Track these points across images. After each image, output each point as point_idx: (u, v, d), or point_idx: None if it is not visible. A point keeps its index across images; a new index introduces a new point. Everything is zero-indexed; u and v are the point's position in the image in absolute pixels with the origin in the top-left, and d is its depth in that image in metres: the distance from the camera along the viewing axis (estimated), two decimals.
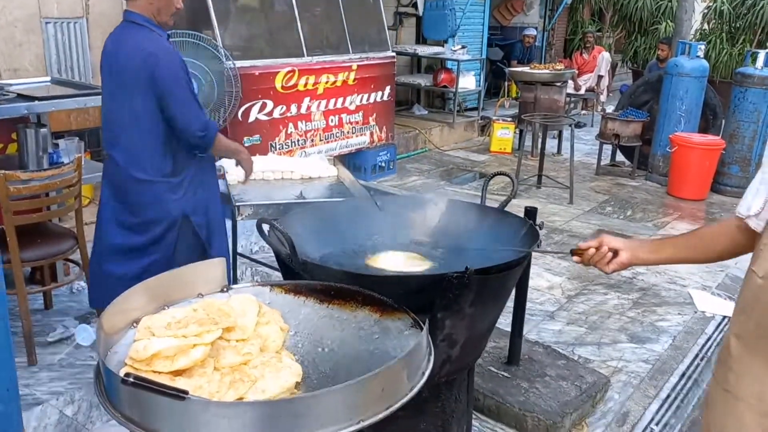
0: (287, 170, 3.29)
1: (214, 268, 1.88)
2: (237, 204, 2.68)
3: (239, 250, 3.32)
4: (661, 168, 6.64)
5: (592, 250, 1.84)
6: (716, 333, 3.72)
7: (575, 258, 1.91)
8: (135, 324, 1.66)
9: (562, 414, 2.70)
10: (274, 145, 5.26)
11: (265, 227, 1.96)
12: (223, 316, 1.68)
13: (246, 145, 4.96)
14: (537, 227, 2.20)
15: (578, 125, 7.60)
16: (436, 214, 2.52)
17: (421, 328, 1.66)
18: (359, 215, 2.52)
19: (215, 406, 1.26)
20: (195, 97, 2.69)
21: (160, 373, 1.47)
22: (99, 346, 1.49)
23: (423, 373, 1.50)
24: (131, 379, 1.15)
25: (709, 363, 3.42)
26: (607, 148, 7.20)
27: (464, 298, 1.88)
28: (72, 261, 3.44)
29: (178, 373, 1.49)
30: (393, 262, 2.17)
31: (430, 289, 1.85)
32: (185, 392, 1.22)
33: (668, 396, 3.09)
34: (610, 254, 1.81)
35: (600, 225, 5.43)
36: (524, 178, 6.27)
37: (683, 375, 3.28)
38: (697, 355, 3.47)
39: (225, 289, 1.88)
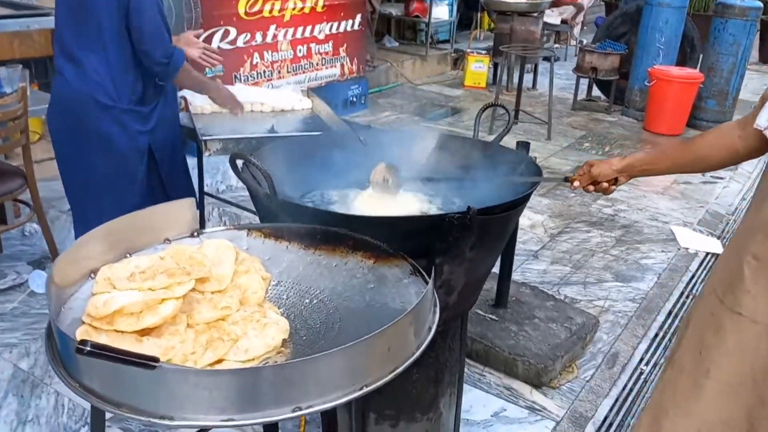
0: (257, 102, 3.02)
1: (182, 209, 1.65)
2: (203, 138, 2.42)
3: (205, 189, 3.07)
4: (638, 103, 6.49)
5: (591, 187, 1.82)
6: (700, 270, 3.65)
7: (571, 186, 1.88)
8: (93, 275, 1.44)
9: (553, 357, 2.59)
10: (238, 76, 4.92)
11: (239, 162, 1.73)
12: (195, 264, 1.47)
13: (209, 75, 4.62)
14: (536, 163, 2.01)
15: (547, 57, 7.37)
16: (426, 150, 2.31)
17: (421, 276, 1.48)
18: (341, 151, 2.29)
19: (194, 375, 1.06)
20: (164, 21, 2.41)
21: (123, 332, 1.27)
22: (50, 302, 1.27)
23: (430, 328, 1.33)
24: (87, 348, 0.94)
25: (695, 299, 3.34)
26: (583, 83, 7.02)
27: (465, 241, 1.70)
28: (22, 201, 3.16)
29: (145, 332, 1.28)
30: (381, 202, 1.97)
31: (427, 232, 1.66)
32: (155, 360, 1.02)
33: (656, 335, 3.02)
34: (605, 185, 1.81)
35: (578, 162, 5.28)
36: (501, 114, 6.05)
37: (670, 313, 3.21)
38: (682, 293, 3.40)
39: (196, 234, 1.65)
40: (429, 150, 2.31)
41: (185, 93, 2.97)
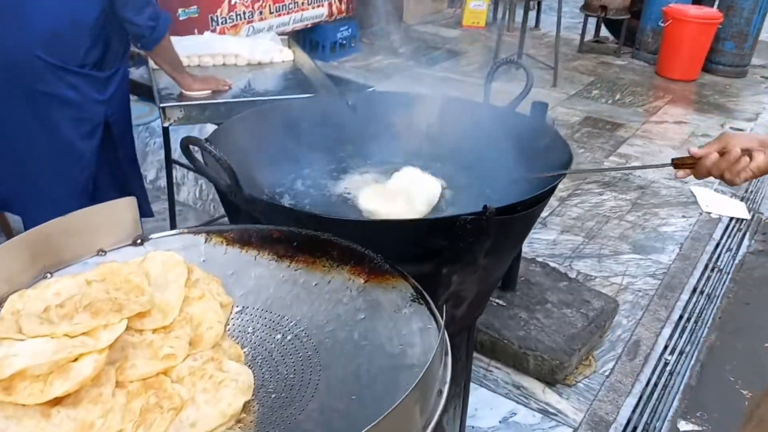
0: (230, 54, 2.61)
1: (120, 210, 1.29)
2: (163, 105, 2.02)
3: (175, 157, 2.65)
4: (651, 45, 6.04)
5: (714, 155, 1.31)
6: (725, 238, 3.33)
7: (681, 173, 1.38)
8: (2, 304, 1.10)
9: (569, 351, 2.29)
10: (215, 18, 4.45)
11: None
12: (132, 291, 1.12)
13: (181, 18, 4.16)
14: (565, 141, 1.64)
15: None
16: (426, 117, 1.94)
17: (427, 304, 1.14)
18: (325, 119, 1.92)
19: None
20: None
21: (25, 405, 0.93)
22: None
23: (440, 392, 1.00)
24: None
25: (721, 274, 3.04)
26: (590, 22, 6.52)
27: (480, 246, 1.35)
28: None
29: (56, 401, 0.95)
30: (373, 193, 1.61)
31: (434, 237, 1.31)
32: None
33: (681, 317, 2.72)
34: (745, 158, 1.30)
35: (587, 111, 4.90)
36: (502, 58, 5.59)
37: (694, 290, 2.90)
38: (707, 266, 3.09)
39: (139, 242, 1.30)
40: (431, 117, 1.94)
41: None
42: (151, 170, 3.58)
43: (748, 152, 1.29)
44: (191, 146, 1.32)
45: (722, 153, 1.31)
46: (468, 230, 1.27)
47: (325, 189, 1.70)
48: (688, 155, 1.36)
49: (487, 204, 1.26)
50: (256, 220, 1.40)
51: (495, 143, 1.72)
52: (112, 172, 2.24)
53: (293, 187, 1.70)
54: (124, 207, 1.28)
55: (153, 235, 1.32)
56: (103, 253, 1.26)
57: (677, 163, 1.37)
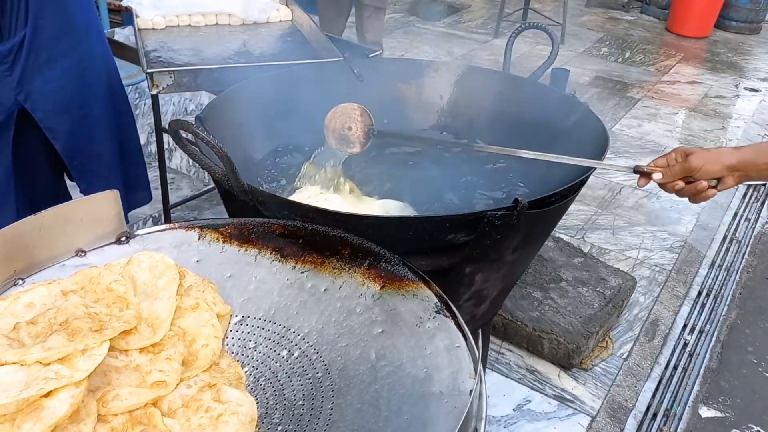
0: (223, 13, 2.40)
1: (102, 205, 1.13)
2: (150, 71, 1.84)
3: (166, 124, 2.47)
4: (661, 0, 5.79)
5: (679, 184, 1.24)
6: (743, 208, 3.19)
7: (642, 181, 1.30)
8: None
9: (586, 334, 2.16)
10: None
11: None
12: (115, 303, 0.99)
13: None
14: (599, 120, 1.48)
15: None
16: (441, 88, 1.77)
17: (455, 319, 1.00)
18: (328, 88, 1.75)
19: None
20: None
21: None
22: None
23: (476, 431, 0.86)
24: None
25: (740, 245, 2.92)
26: None
27: (508, 242, 1.21)
28: None
29: None
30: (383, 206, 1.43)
31: (457, 233, 1.17)
32: None
33: (699, 293, 2.60)
34: (712, 191, 1.24)
35: (597, 70, 4.69)
36: (508, 13, 5.35)
37: (713, 264, 2.78)
38: (725, 237, 2.96)
39: (124, 239, 1.15)
40: (446, 88, 1.77)
41: (131, 1, 2.34)
42: (142, 135, 3.39)
43: (716, 180, 1.22)
44: (182, 131, 1.16)
45: (688, 181, 1.22)
46: (497, 227, 1.13)
47: (322, 170, 1.54)
48: (651, 166, 1.26)
49: (519, 197, 1.11)
50: (257, 210, 1.25)
51: (517, 119, 1.57)
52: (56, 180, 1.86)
53: (288, 171, 1.55)
54: (107, 201, 1.13)
55: (140, 231, 1.17)
56: (82, 254, 1.11)
57: (640, 171, 1.27)
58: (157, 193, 2.71)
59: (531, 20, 5.33)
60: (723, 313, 2.52)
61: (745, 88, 4.53)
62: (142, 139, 3.39)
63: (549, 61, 1.67)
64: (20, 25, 1.57)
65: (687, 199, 1.27)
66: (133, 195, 2.06)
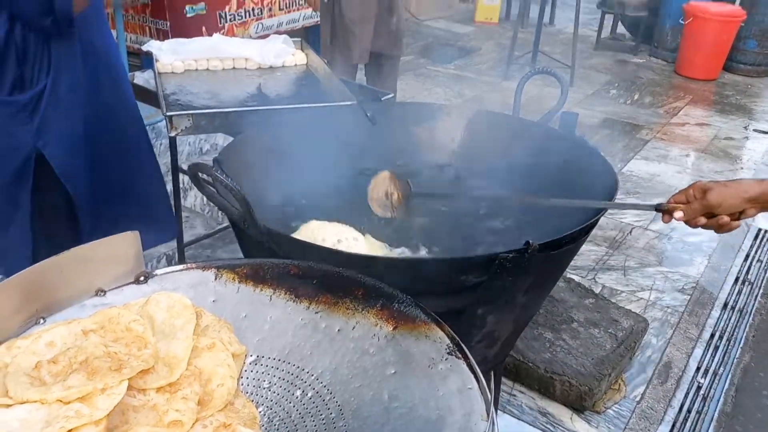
0: (240, 58, 2.47)
1: (122, 245, 1.16)
2: (170, 114, 1.89)
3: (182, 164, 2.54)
4: (669, 42, 5.87)
5: (701, 220, 1.27)
6: (755, 249, 3.19)
7: (666, 218, 1.33)
8: None
9: (599, 376, 2.15)
10: (223, 15, 4.31)
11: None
12: (133, 343, 1.00)
13: (189, 15, 4.03)
14: (608, 164, 1.51)
15: None
16: (452, 131, 1.81)
17: (466, 361, 1.01)
18: (342, 130, 1.79)
19: None
20: None
21: None
22: None
23: None
24: None
25: (752, 287, 2.90)
26: (606, 18, 6.36)
27: (519, 284, 1.22)
28: None
29: None
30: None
31: (469, 275, 1.18)
32: None
33: (712, 335, 2.58)
34: (735, 223, 1.27)
35: (607, 112, 4.74)
36: (517, 56, 5.44)
37: (725, 305, 2.76)
38: (737, 279, 2.95)
39: (142, 279, 1.17)
40: (457, 131, 1.81)
41: (151, 46, 2.42)
42: None
43: (738, 214, 1.25)
44: (200, 174, 1.19)
45: (709, 215, 1.25)
46: (508, 269, 1.14)
47: (345, 212, 1.56)
48: (672, 204, 1.29)
49: (530, 240, 1.13)
50: (272, 250, 1.28)
51: (528, 161, 1.59)
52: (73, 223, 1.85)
53: (307, 210, 1.58)
54: (126, 241, 1.15)
55: (158, 271, 1.20)
56: (102, 294, 1.14)
57: (662, 210, 1.30)
58: None
59: (540, 63, 5.42)
60: (737, 356, 2.50)
61: (755, 130, 4.55)
62: None
63: (558, 105, 1.71)
64: (42, 75, 1.61)
65: (712, 230, 1.29)
66: (158, 233, 2.09)
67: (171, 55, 2.38)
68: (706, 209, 1.23)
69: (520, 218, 1.53)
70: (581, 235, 1.25)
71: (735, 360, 2.48)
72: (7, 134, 1.62)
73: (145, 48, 2.43)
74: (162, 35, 3.94)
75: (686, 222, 1.27)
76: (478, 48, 6.07)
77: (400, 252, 1.41)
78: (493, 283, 1.17)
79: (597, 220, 1.31)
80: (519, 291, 1.23)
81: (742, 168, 4.00)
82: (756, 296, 2.88)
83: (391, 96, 2.31)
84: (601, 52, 6.14)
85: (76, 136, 1.72)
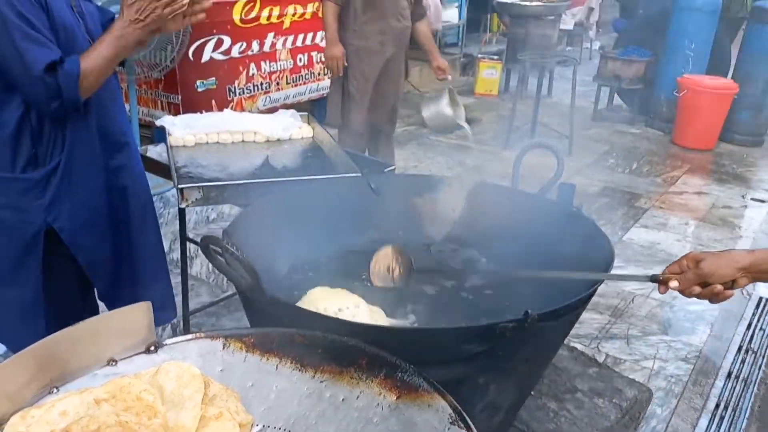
0: (249, 131, 2.57)
1: (133, 316, 1.20)
2: (181, 186, 1.96)
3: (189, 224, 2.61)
4: (665, 113, 6.03)
5: (696, 289, 1.30)
6: (756, 318, 3.19)
7: (662, 289, 1.36)
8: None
9: None
10: (232, 89, 4.47)
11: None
12: (144, 412, 1.03)
13: (199, 90, 4.18)
14: (604, 235, 1.56)
15: (566, 63, 6.91)
16: (453, 202, 1.87)
17: (468, 429, 1.03)
18: (346, 201, 1.86)
19: None
20: (33, 35, 1.48)
21: None
22: None
23: None
24: None
25: (756, 356, 2.90)
26: (603, 90, 6.55)
27: (520, 353, 1.25)
28: None
29: None
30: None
31: (470, 344, 1.21)
32: None
33: (717, 405, 2.57)
34: (729, 292, 1.30)
35: (605, 181, 4.84)
36: (517, 127, 5.59)
37: (729, 375, 2.76)
38: (740, 348, 2.94)
39: (153, 349, 1.21)
40: (458, 202, 1.87)
41: (164, 121, 2.52)
42: (165, 242, 3.50)
43: (730, 282, 1.28)
44: (212, 246, 1.24)
45: (703, 284, 1.28)
46: (508, 338, 1.18)
47: (348, 280, 1.60)
48: (667, 274, 1.33)
49: (529, 310, 1.16)
50: (278, 317, 1.31)
51: (527, 233, 1.64)
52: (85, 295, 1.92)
53: (313, 279, 1.62)
54: (138, 312, 1.19)
55: (167, 341, 1.23)
56: (114, 363, 1.17)
57: (657, 280, 1.34)
58: (178, 300, 2.77)
59: (540, 133, 5.56)
60: (743, 427, 2.48)
61: (752, 199, 4.63)
62: (165, 247, 3.51)
63: (556, 177, 1.77)
64: (56, 153, 1.65)
65: (707, 300, 1.32)
66: (158, 311, 2.11)
67: (183, 129, 2.48)
68: (699, 278, 1.27)
69: (519, 288, 1.57)
70: (579, 305, 1.29)
71: (741, 431, 2.46)
72: (18, 209, 1.66)
73: (158, 123, 2.53)
74: (173, 109, 4.08)
75: (681, 291, 1.31)
76: (478, 119, 6.23)
77: (398, 322, 1.44)
78: (493, 352, 1.20)
79: (594, 291, 1.35)
80: (520, 360, 1.26)
81: (741, 236, 4.05)
82: (760, 366, 2.87)
83: (393, 167, 2.39)
84: (598, 122, 6.30)
85: (88, 208, 1.76)
